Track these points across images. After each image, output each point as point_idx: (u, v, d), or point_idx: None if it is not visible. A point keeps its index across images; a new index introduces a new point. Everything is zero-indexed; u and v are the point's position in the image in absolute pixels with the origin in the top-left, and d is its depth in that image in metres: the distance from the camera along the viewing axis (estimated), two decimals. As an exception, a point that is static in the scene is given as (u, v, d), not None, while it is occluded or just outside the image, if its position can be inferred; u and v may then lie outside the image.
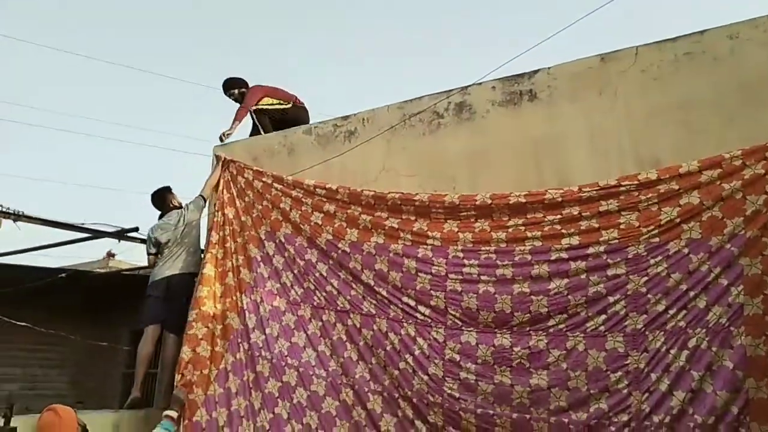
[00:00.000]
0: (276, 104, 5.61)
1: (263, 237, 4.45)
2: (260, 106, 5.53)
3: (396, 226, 3.90)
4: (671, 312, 3.09)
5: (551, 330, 3.31)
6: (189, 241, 4.84)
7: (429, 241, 3.76)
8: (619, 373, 3.13)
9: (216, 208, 4.71)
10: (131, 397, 4.55)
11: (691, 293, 3.07)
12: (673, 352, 3.04)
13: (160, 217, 5.03)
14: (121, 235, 5.39)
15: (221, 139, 5.04)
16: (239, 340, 4.20)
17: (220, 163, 4.89)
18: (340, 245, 4.07)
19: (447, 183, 4.09)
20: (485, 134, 4.09)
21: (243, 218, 4.58)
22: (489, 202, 3.63)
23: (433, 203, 3.80)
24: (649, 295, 3.16)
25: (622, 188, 3.31)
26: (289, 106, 5.62)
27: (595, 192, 3.37)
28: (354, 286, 3.99)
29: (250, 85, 5.67)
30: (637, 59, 3.70)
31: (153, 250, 4.86)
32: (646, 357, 3.09)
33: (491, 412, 3.34)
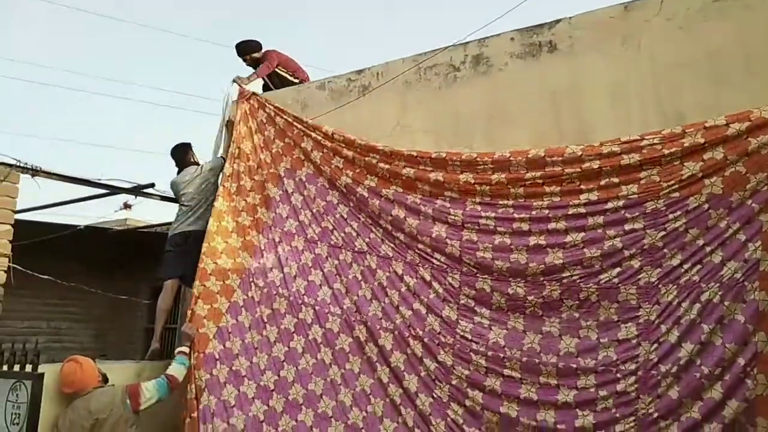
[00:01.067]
0: (286, 74, 5.60)
1: (282, 174, 4.34)
2: (275, 69, 5.55)
3: (413, 176, 3.78)
4: (686, 266, 2.98)
5: (565, 281, 3.23)
6: (208, 198, 4.78)
7: (447, 193, 3.66)
8: (630, 324, 3.07)
9: (232, 139, 4.59)
10: (151, 349, 4.57)
11: (708, 248, 2.94)
12: (684, 305, 2.95)
13: (178, 172, 5.00)
14: (137, 190, 5.37)
15: (239, 86, 4.89)
16: (252, 279, 4.15)
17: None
18: (359, 189, 3.98)
19: (463, 138, 3.92)
20: (503, 88, 3.88)
21: (262, 155, 4.44)
22: (507, 155, 3.48)
23: (450, 157, 3.67)
24: (665, 250, 3.04)
25: (645, 142, 3.13)
26: (297, 81, 5.56)
27: (617, 146, 3.19)
28: (373, 229, 3.93)
29: (264, 48, 5.64)
30: (662, 7, 3.44)
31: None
32: (657, 309, 3.01)
33: (502, 355, 3.32)
